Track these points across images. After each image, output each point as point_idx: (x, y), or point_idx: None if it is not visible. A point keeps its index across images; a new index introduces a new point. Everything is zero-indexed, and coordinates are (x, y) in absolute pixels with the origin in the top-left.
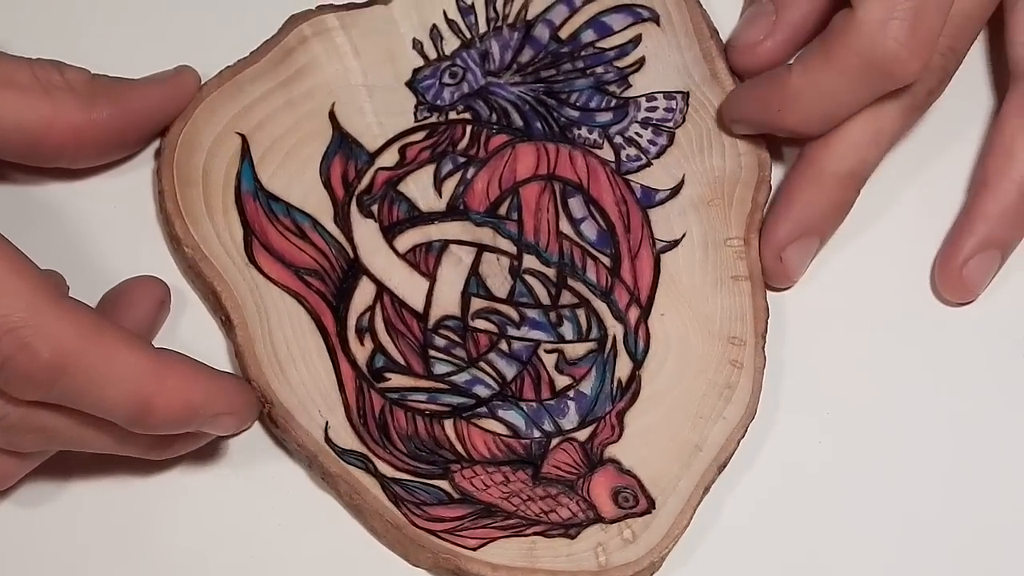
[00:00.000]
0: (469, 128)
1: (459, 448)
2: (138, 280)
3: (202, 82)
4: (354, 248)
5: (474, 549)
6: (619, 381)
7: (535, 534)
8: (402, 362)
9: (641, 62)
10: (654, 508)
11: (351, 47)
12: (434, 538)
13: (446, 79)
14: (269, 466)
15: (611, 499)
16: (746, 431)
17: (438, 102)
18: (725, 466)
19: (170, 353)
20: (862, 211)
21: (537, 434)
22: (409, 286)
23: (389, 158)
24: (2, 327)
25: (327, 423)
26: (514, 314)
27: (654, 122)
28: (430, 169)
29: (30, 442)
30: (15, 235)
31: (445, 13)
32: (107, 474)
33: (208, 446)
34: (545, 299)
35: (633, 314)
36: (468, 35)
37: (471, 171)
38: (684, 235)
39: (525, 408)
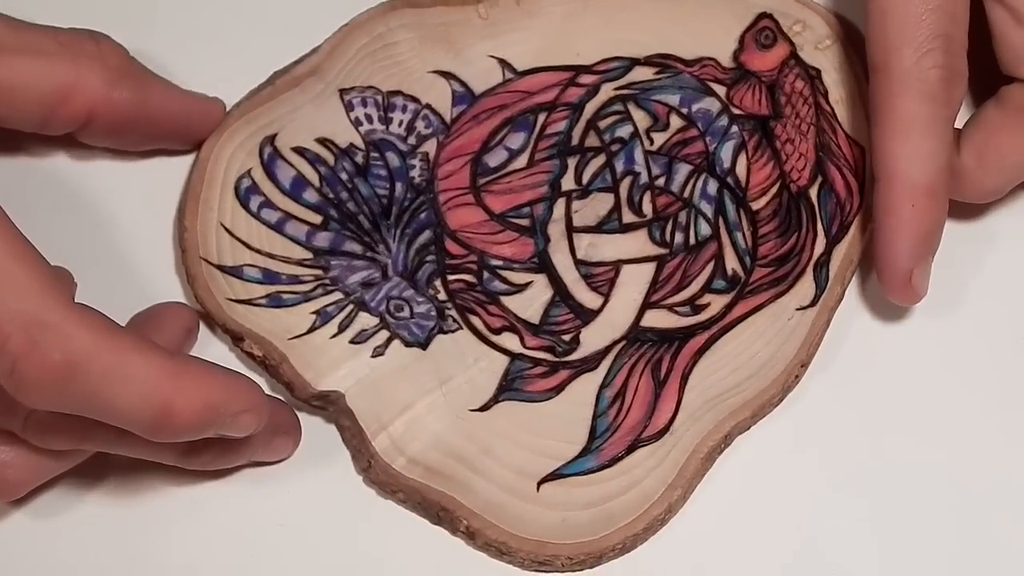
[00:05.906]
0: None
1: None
2: (168, 305)
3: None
4: None
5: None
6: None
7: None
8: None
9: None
10: None
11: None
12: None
13: (390, 307)
14: None
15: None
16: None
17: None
18: None
19: (183, 355)
20: None
21: (735, 138)
22: (623, 309)
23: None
24: (13, 324)
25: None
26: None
27: (388, 110)
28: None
29: (62, 441)
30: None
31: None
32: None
33: None
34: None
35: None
36: (345, 295)
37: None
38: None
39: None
